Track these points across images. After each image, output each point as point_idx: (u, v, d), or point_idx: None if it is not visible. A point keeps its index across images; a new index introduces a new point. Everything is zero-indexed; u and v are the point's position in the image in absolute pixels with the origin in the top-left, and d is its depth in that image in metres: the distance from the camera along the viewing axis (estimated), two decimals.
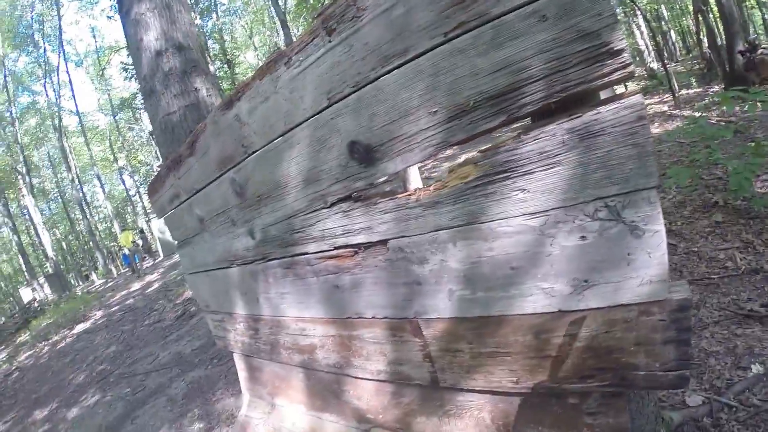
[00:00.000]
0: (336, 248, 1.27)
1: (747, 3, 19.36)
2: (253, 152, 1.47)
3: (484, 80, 0.90)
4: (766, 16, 22.00)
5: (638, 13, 12.10)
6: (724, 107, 4.55)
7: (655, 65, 12.92)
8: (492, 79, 0.89)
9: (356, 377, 1.49)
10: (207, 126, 1.75)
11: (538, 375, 1.04)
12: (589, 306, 0.91)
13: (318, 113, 1.21)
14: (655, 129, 9.10)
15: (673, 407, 2.20)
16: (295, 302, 1.55)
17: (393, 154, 1.05)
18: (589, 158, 0.83)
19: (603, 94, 0.89)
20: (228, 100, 1.58)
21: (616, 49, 0.79)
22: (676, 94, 10.60)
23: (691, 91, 12.67)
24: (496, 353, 1.08)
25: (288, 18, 15.94)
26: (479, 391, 1.19)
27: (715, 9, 10.86)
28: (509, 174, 0.90)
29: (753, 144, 4.50)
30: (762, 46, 9.61)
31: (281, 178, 1.37)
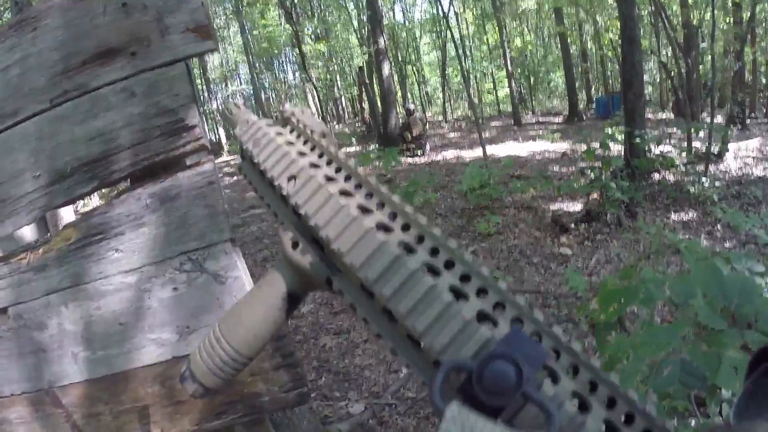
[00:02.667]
0: None
1: (408, 79, 25.24)
2: None
3: (80, 147, 0.95)
4: (423, 90, 28.82)
5: (312, 81, 14.90)
6: (378, 162, 5.94)
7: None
8: (87, 147, 0.95)
9: None
10: None
11: (179, 421, 1.08)
12: None
13: None
14: None
15: (340, 419, 2.48)
16: None
17: (2, 217, 1.01)
18: (171, 218, 0.93)
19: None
20: None
21: (190, 124, 0.93)
22: None
23: (351, 149, 15.28)
24: (134, 408, 1.08)
25: None
26: None
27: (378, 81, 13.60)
28: (104, 235, 0.95)
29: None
30: (416, 112, 12.55)
31: None
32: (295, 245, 0.38)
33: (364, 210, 0.33)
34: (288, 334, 1.03)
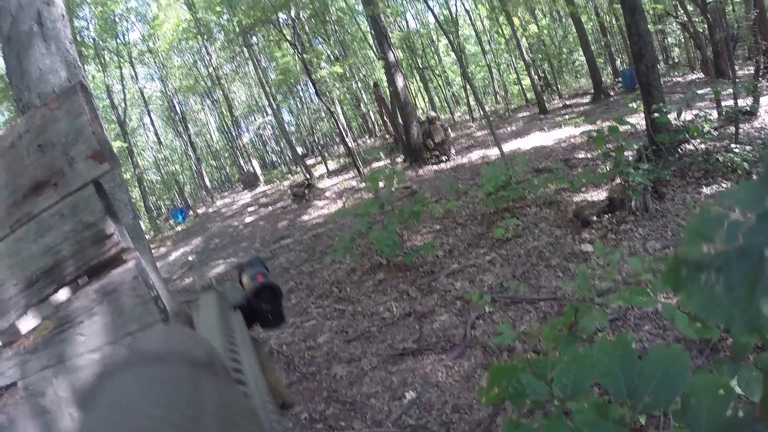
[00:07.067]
0: None
1: (432, 83, 23.97)
2: None
3: (39, 260, 1.22)
4: (450, 92, 27.56)
5: (327, 106, 14.51)
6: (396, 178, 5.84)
7: (352, 144, 15.10)
8: (43, 259, 1.22)
9: None
10: None
11: None
12: None
13: None
14: (342, 203, 10.43)
15: None
16: None
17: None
18: (113, 308, 1.19)
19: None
20: None
21: (108, 233, 1.17)
22: (362, 170, 13.12)
23: (380, 163, 14.91)
24: None
25: None
26: None
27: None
28: (70, 324, 1.23)
29: (397, 212, 5.58)
30: (437, 119, 12.13)
31: None
32: None
33: None
34: None
